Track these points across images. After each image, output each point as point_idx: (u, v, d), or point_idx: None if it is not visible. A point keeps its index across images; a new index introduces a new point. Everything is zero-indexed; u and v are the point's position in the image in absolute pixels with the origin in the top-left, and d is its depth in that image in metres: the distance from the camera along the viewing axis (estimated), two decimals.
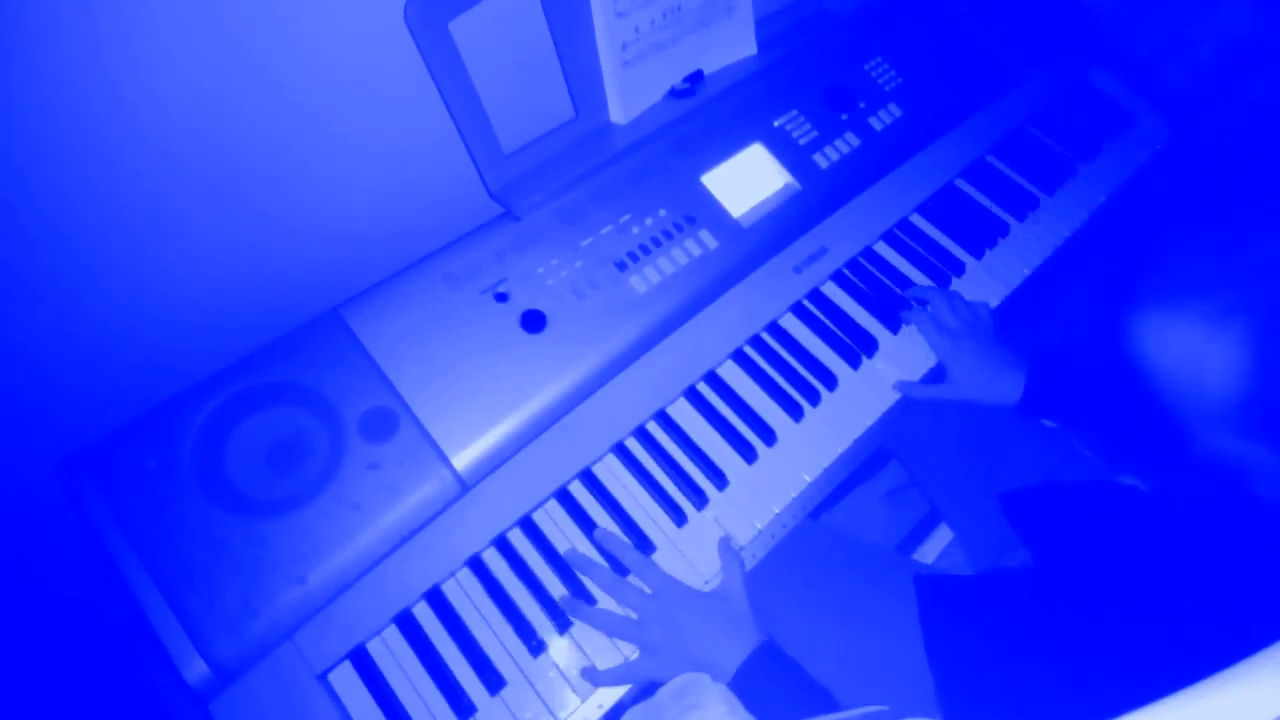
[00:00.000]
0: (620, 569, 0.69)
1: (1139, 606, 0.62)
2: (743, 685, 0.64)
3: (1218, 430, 0.47)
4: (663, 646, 0.65)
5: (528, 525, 0.72)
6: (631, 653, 0.67)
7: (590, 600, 0.69)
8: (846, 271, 0.89)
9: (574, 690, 0.65)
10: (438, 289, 0.74)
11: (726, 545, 0.71)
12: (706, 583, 0.71)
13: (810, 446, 0.78)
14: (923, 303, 0.87)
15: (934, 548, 1.04)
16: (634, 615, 0.67)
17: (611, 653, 0.67)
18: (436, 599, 0.68)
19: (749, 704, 0.63)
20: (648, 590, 0.68)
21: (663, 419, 0.78)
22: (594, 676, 0.65)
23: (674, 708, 0.62)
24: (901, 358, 0.85)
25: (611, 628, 0.67)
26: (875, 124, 0.93)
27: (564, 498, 0.73)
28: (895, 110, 0.95)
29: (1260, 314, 0.42)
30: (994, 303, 0.90)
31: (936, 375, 0.85)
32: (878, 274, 0.90)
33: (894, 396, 0.82)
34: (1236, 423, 0.45)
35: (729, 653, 0.65)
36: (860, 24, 0.99)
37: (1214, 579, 0.59)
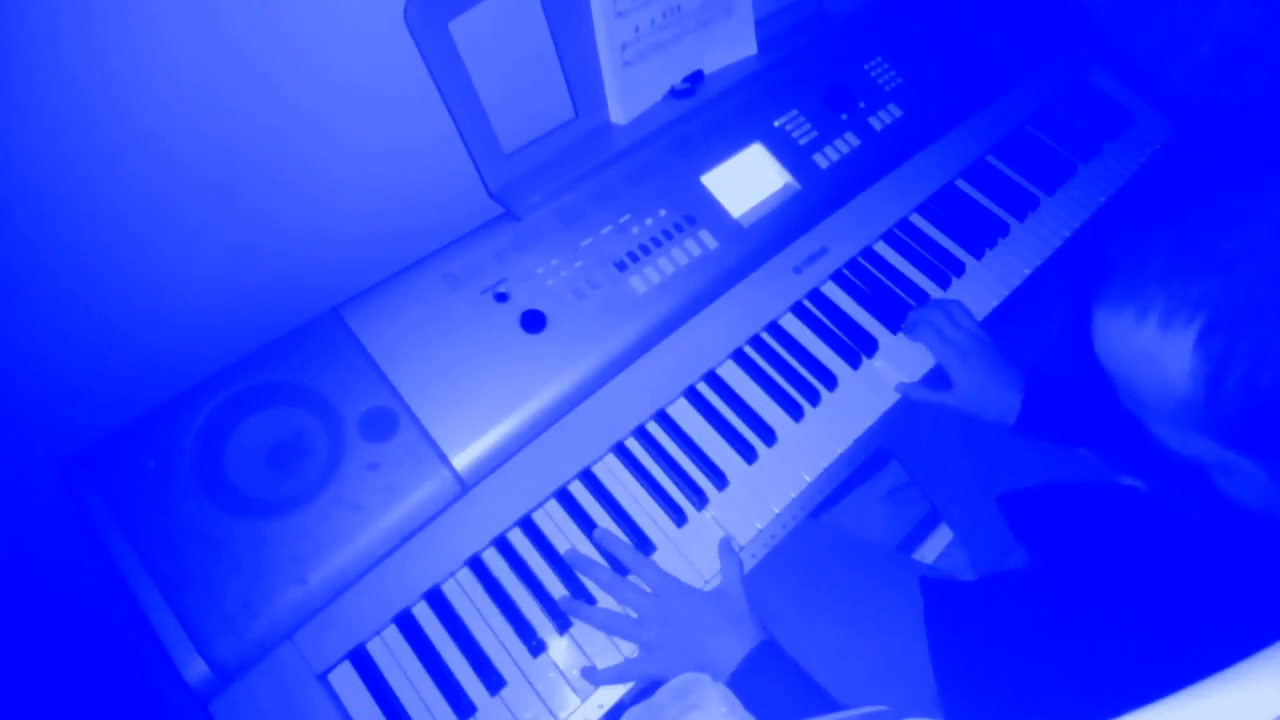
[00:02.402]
0: (620, 569, 0.70)
1: (1141, 607, 0.62)
2: (742, 684, 0.64)
3: (1174, 428, 0.47)
4: (662, 645, 0.66)
5: (528, 525, 0.72)
6: (631, 652, 0.67)
7: (590, 600, 0.69)
8: (846, 271, 0.89)
9: (574, 690, 0.65)
10: (438, 289, 0.74)
11: (726, 545, 0.71)
12: (706, 583, 0.71)
13: (810, 446, 0.78)
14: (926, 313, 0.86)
15: (934, 548, 1.04)
16: (634, 614, 0.67)
17: (611, 652, 0.67)
18: (436, 599, 0.68)
19: (748, 703, 0.63)
20: (647, 590, 0.68)
21: (663, 419, 0.78)
22: (594, 676, 0.65)
23: (674, 707, 0.62)
24: (901, 358, 0.85)
25: (611, 627, 0.67)
26: (875, 124, 0.93)
27: (564, 498, 0.73)
28: (895, 110, 0.95)
29: (1211, 310, 0.41)
30: (994, 303, 0.90)
31: (936, 378, 0.85)
32: (878, 274, 0.90)
33: (894, 397, 0.82)
34: (1189, 421, 0.45)
35: (728, 651, 0.65)
36: (860, 24, 0.99)
37: (1214, 579, 0.59)
